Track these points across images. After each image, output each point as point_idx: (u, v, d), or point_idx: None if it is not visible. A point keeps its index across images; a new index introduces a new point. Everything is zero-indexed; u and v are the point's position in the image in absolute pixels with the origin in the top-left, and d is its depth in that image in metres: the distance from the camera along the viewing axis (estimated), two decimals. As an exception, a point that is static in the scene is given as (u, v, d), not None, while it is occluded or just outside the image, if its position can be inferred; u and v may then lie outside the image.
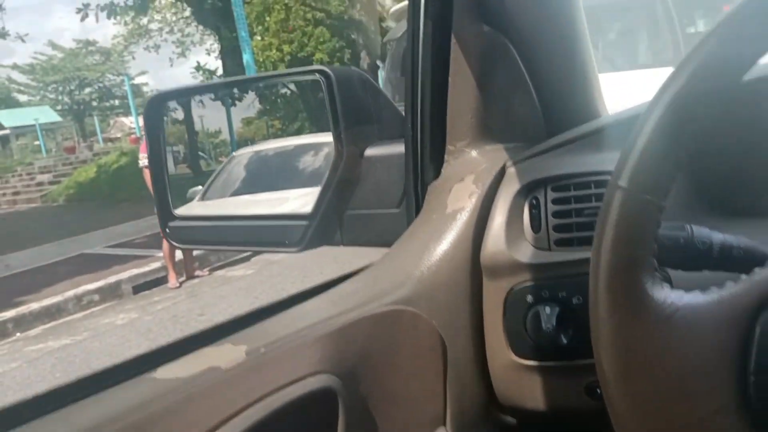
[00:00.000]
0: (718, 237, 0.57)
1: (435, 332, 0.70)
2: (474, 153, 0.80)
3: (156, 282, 5.90)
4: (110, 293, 5.81)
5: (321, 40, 21.80)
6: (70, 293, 5.67)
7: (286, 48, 21.73)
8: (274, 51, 21.81)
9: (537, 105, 0.81)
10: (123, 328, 4.77)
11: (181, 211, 1.00)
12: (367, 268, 0.77)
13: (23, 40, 14.54)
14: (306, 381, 0.58)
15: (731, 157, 0.73)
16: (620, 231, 0.47)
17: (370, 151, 0.92)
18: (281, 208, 0.97)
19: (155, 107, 0.98)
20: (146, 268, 6.18)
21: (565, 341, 0.70)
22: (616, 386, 0.47)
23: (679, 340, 0.45)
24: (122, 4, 13.54)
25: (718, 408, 0.44)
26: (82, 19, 12.78)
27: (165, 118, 0.98)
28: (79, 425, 0.46)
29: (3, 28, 12.87)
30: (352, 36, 21.45)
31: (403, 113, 0.87)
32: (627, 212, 0.47)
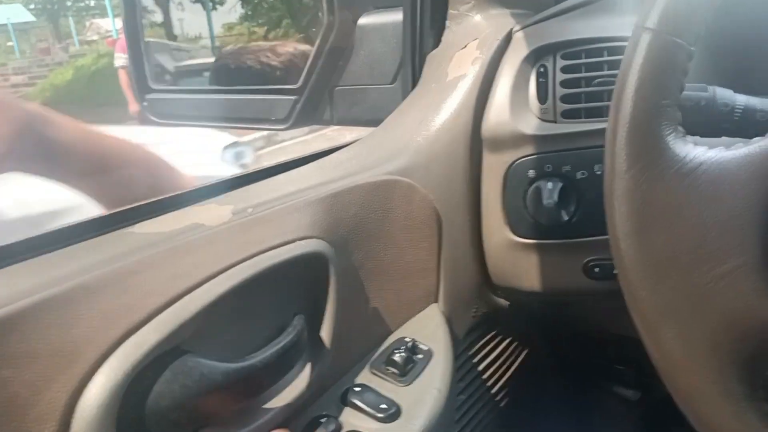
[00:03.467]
0: (741, 99, 0.53)
1: (431, 205, 0.67)
2: (478, 17, 0.74)
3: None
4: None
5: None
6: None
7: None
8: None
9: None
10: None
11: (160, 84, 0.93)
12: (360, 139, 0.72)
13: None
14: (296, 244, 0.54)
15: (755, 30, 0.68)
16: (645, 75, 0.43)
17: (364, 19, 0.85)
18: (267, 81, 0.90)
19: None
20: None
21: (566, 218, 0.67)
22: (629, 243, 0.44)
23: (701, 195, 0.42)
24: None
25: (741, 264, 0.41)
26: None
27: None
28: (52, 274, 0.42)
29: None
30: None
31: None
32: (654, 55, 0.43)
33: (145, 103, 0.91)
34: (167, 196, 0.55)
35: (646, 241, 0.44)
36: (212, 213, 0.52)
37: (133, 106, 5.47)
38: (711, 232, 0.42)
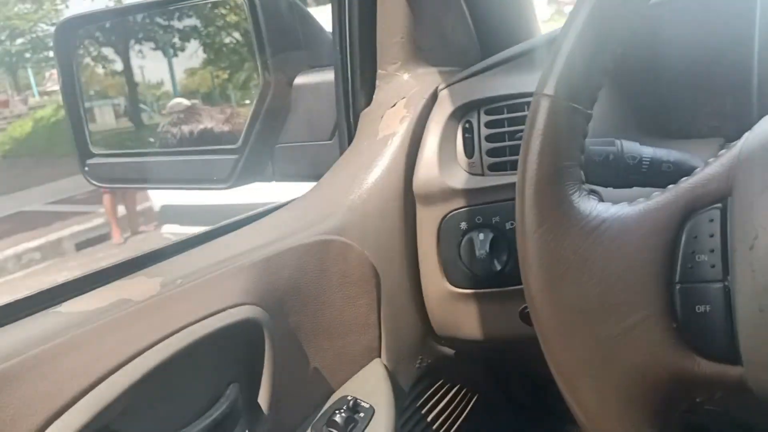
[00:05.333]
0: (647, 151, 0.56)
1: (367, 262, 0.68)
2: (406, 76, 0.76)
3: (99, 238, 5.72)
4: (52, 251, 5.62)
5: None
6: (9, 252, 5.47)
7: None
8: None
9: (471, 26, 0.77)
10: (66, 285, 4.63)
11: (100, 148, 0.93)
12: (294, 199, 0.73)
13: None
14: (228, 312, 0.55)
15: (666, 77, 0.72)
16: (546, 140, 0.45)
17: (299, 80, 0.87)
18: (207, 142, 0.91)
19: (66, 34, 0.90)
20: (89, 225, 5.98)
21: (498, 267, 0.68)
22: (541, 300, 0.46)
23: (605, 251, 0.44)
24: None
25: (644, 318, 0.43)
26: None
27: (80, 43, 0.90)
28: None
29: None
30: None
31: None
32: (553, 120, 0.45)
33: (86, 168, 0.92)
34: (94, 270, 0.56)
35: (557, 296, 0.45)
36: (140, 287, 0.53)
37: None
38: (615, 287, 0.44)
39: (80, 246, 5.71)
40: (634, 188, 0.56)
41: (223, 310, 0.55)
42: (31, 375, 0.43)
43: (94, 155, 0.91)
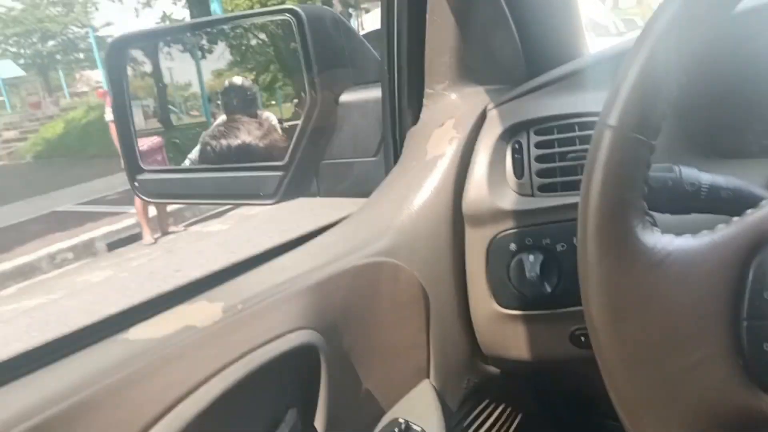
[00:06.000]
0: (706, 178, 0.56)
1: (417, 283, 0.68)
2: (453, 96, 0.77)
3: (130, 239, 5.82)
4: (84, 251, 5.73)
5: (292, -12, 21.21)
6: (43, 252, 5.59)
7: (255, -4, 21.12)
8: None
9: (518, 44, 0.77)
10: (99, 285, 4.72)
11: (149, 164, 0.95)
12: (345, 219, 0.74)
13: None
14: (286, 337, 0.56)
15: (717, 96, 0.71)
16: (610, 172, 0.45)
17: (345, 97, 0.88)
18: (254, 159, 0.93)
19: (117, 52, 0.92)
20: (120, 225, 6.09)
21: (549, 289, 0.68)
22: (605, 333, 0.46)
23: (670, 286, 0.43)
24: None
25: (710, 354, 0.42)
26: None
27: (129, 65, 0.92)
28: (51, 390, 0.43)
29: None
30: (325, -18, 20.90)
31: (379, 56, 0.83)
32: (617, 152, 0.45)
33: (136, 184, 0.93)
34: (158, 294, 0.57)
35: (621, 329, 0.45)
36: (203, 312, 0.54)
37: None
38: (680, 322, 0.43)
39: (112, 246, 5.81)
40: (692, 215, 0.56)
41: (282, 335, 0.55)
42: (106, 404, 0.44)
43: (143, 171, 0.93)
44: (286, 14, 0.83)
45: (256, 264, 0.64)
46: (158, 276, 4.38)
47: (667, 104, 0.45)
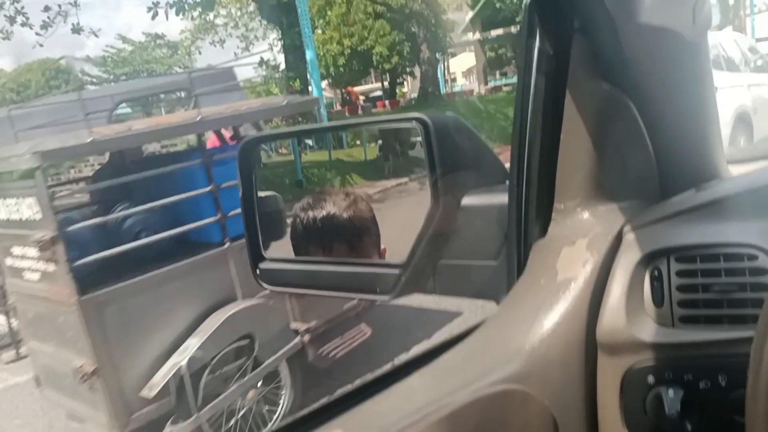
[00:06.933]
0: None
1: (547, 412, 0.66)
2: (586, 214, 0.75)
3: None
4: None
5: (381, 33, 21.83)
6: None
7: (346, 42, 21.85)
8: (335, 44, 21.96)
9: (654, 164, 0.75)
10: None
11: (271, 252, 0.98)
12: (470, 334, 0.73)
13: (96, 35, 15.11)
14: None
15: None
16: None
17: (467, 200, 0.88)
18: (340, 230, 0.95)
19: (248, 149, 0.97)
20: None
21: (689, 428, 0.65)
22: None
23: None
24: (190, 1, 13.85)
25: None
26: (153, 17, 13.16)
27: (259, 160, 0.97)
28: None
29: (77, 24, 13.45)
30: (413, 29, 21.36)
31: (507, 164, 0.83)
32: None
33: (258, 272, 0.97)
34: (287, 421, 0.58)
35: None
36: None
37: None
38: None
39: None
40: None
41: None
42: None
43: (265, 259, 0.96)
44: (414, 121, 0.85)
45: (381, 388, 0.64)
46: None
47: None
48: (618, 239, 0.72)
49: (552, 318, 0.69)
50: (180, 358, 3.35)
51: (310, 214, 1.05)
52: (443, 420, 0.59)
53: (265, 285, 0.97)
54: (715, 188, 0.71)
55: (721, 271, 0.66)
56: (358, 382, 0.65)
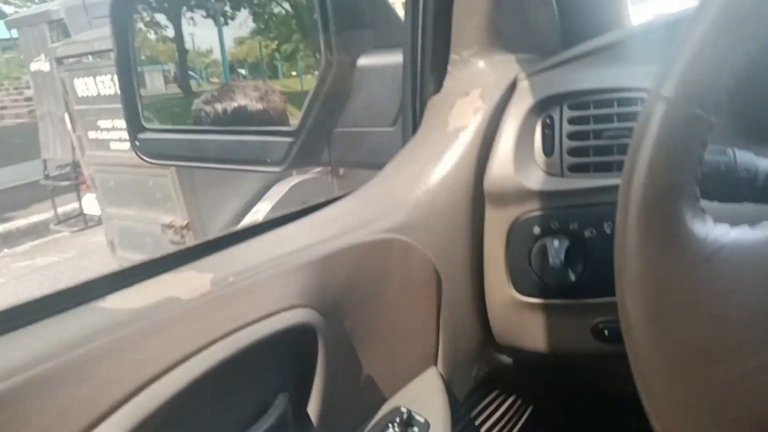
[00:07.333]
0: (765, 164, 0.49)
1: (429, 264, 0.63)
2: (481, 63, 0.70)
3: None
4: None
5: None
6: (59, 210, 5.59)
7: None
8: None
9: (555, 11, 0.70)
10: (112, 247, 4.70)
11: (152, 123, 0.90)
12: (355, 191, 0.68)
13: None
14: (281, 315, 0.50)
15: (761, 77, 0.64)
16: (660, 150, 0.39)
17: (363, 60, 0.81)
18: (253, 123, 0.87)
19: (122, 6, 0.86)
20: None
21: (573, 278, 0.62)
22: (643, 332, 0.40)
23: (723, 283, 0.37)
24: None
25: (766, 362, 0.36)
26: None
27: (135, 18, 0.87)
28: (13, 359, 0.38)
29: None
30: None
31: (402, 17, 0.76)
32: (670, 128, 0.38)
33: (137, 143, 0.88)
34: (142, 261, 0.52)
35: (661, 331, 0.39)
36: (189, 283, 0.49)
37: None
38: (734, 325, 0.37)
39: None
40: (745, 204, 0.50)
41: (276, 312, 0.50)
42: (70, 379, 0.39)
43: (145, 130, 0.88)
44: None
45: (253, 234, 0.59)
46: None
47: (732, 76, 0.38)
48: (512, 88, 0.67)
49: (440, 169, 0.65)
50: (255, 218, 3.48)
51: (217, 106, 0.96)
52: (313, 264, 0.54)
53: (143, 157, 0.89)
54: (614, 33, 0.67)
55: (614, 117, 0.62)
56: (223, 232, 0.59)
